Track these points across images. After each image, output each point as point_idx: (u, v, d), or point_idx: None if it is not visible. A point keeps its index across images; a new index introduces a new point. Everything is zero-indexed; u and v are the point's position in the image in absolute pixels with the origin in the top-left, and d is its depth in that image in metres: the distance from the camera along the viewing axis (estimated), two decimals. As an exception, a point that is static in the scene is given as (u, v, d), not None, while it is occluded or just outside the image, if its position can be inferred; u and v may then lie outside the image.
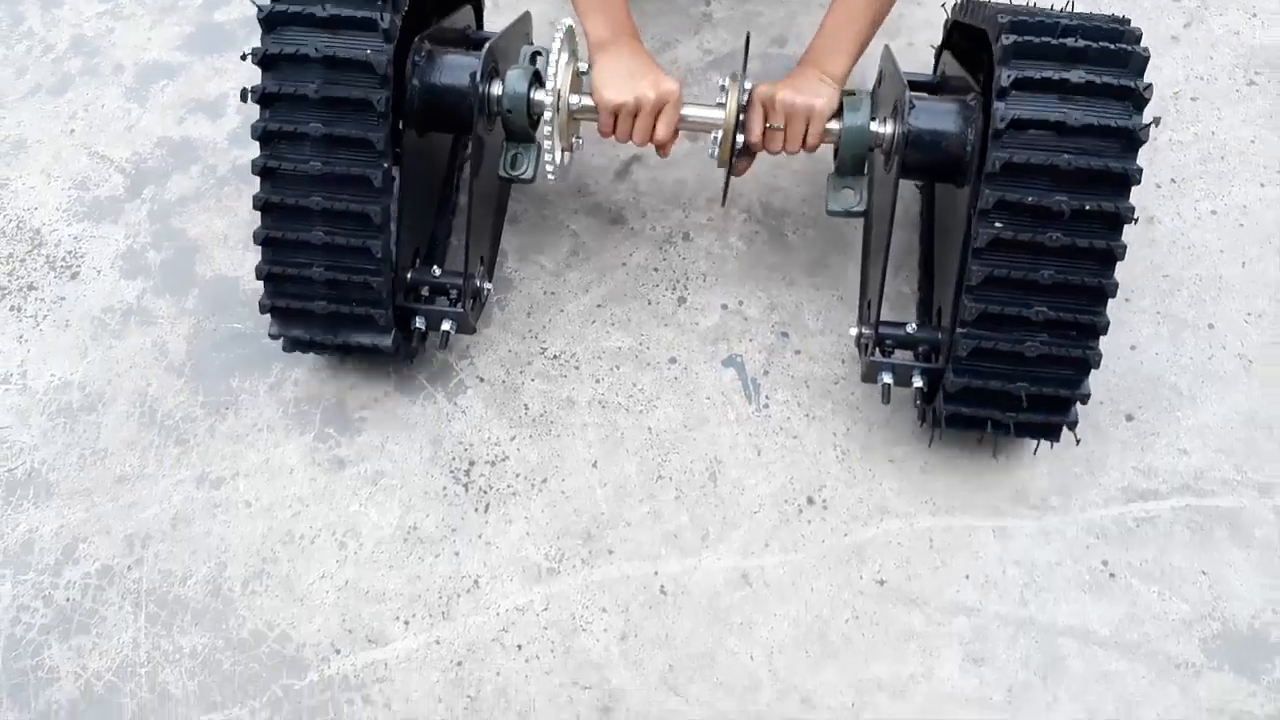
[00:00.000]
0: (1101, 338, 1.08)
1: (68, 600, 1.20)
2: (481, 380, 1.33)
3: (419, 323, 1.24)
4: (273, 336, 1.22)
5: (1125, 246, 1.04)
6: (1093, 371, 1.10)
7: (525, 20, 1.38)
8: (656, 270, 1.40)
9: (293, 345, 1.23)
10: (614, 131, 1.20)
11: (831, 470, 1.27)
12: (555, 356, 1.35)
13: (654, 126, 1.18)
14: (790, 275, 1.40)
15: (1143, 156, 1.05)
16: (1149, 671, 1.15)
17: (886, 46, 1.28)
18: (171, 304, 1.39)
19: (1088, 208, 1.03)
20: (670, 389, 1.32)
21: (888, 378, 1.19)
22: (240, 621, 1.19)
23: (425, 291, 1.26)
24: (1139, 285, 1.37)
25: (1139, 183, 1.03)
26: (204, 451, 1.29)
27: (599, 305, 1.38)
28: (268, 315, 1.20)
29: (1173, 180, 1.46)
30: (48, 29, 1.64)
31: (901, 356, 1.22)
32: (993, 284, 1.06)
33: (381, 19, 1.07)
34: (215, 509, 1.25)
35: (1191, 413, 1.29)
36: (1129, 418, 1.29)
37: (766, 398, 1.32)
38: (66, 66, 1.60)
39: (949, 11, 1.37)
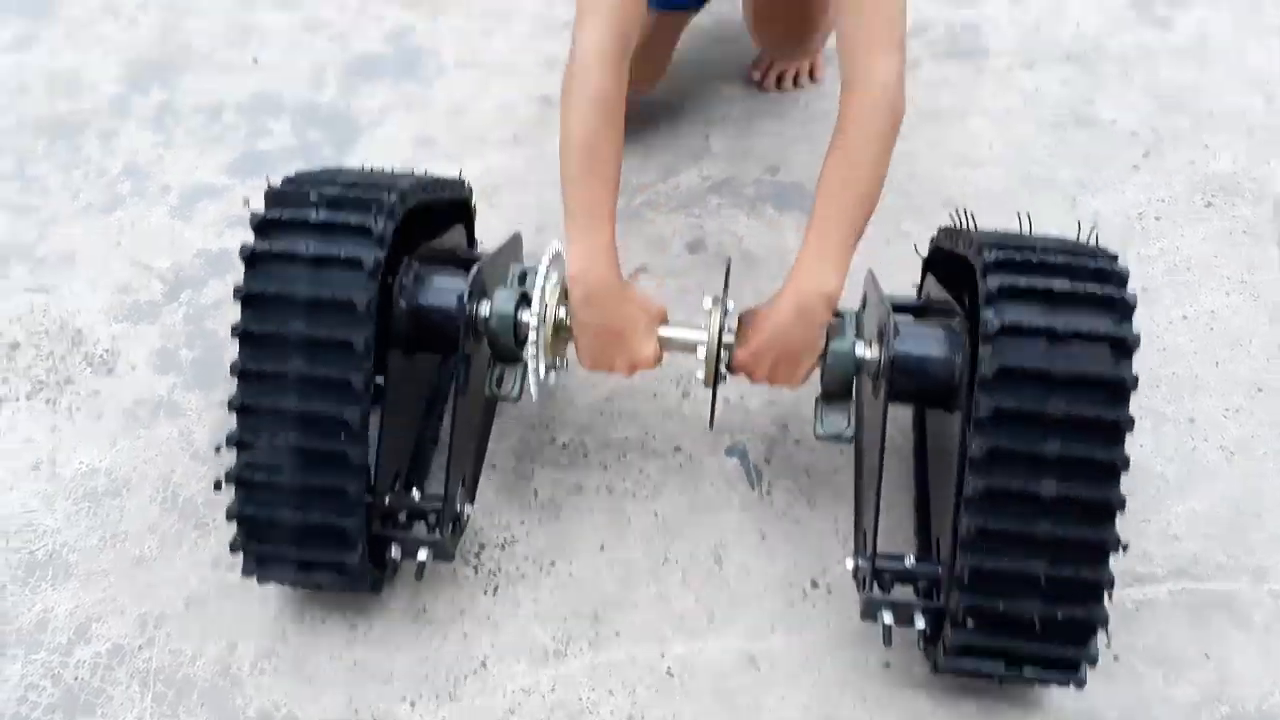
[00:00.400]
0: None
1: (76, 679, 1.21)
2: (493, 467, 1.38)
3: (394, 552, 1.17)
4: (246, 574, 1.17)
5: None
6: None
7: (516, 241, 1.42)
8: (662, 367, 1.47)
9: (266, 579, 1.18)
10: None
11: (835, 555, 1.30)
12: (564, 445, 1.40)
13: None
14: (789, 374, 1.47)
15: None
16: (1161, 756, 1.15)
17: (870, 271, 1.30)
18: (200, 397, 1.46)
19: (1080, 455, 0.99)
20: (676, 476, 1.37)
21: (888, 617, 1.11)
22: (247, 700, 1.19)
23: (402, 517, 1.19)
24: (1120, 383, 1.44)
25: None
26: (222, 535, 1.32)
27: (607, 399, 1.45)
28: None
29: (1143, 289, 1.55)
30: (104, 157, 1.78)
31: (901, 592, 1.14)
32: (988, 536, 1.01)
33: (366, 259, 1.06)
34: (229, 590, 1.28)
35: (1179, 501, 1.34)
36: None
37: (769, 485, 1.36)
38: (118, 188, 1.73)
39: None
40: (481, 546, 1.31)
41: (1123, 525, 1.31)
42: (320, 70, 1.93)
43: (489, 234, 1.65)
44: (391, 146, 1.80)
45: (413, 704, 1.19)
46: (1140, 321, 1.50)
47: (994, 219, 1.64)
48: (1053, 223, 1.65)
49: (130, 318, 1.56)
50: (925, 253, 1.41)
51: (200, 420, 1.44)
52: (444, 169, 1.74)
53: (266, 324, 1.07)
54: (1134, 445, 1.36)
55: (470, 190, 1.44)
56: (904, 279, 1.57)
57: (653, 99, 1.78)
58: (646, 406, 1.44)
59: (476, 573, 1.29)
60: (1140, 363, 1.45)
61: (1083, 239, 1.19)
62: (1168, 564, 1.28)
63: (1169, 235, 1.64)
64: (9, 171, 1.76)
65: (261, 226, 1.09)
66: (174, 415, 1.44)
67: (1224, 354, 1.48)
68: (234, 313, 1.57)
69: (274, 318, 1.07)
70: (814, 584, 1.28)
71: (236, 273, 1.60)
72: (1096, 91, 1.85)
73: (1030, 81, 1.88)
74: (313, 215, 1.08)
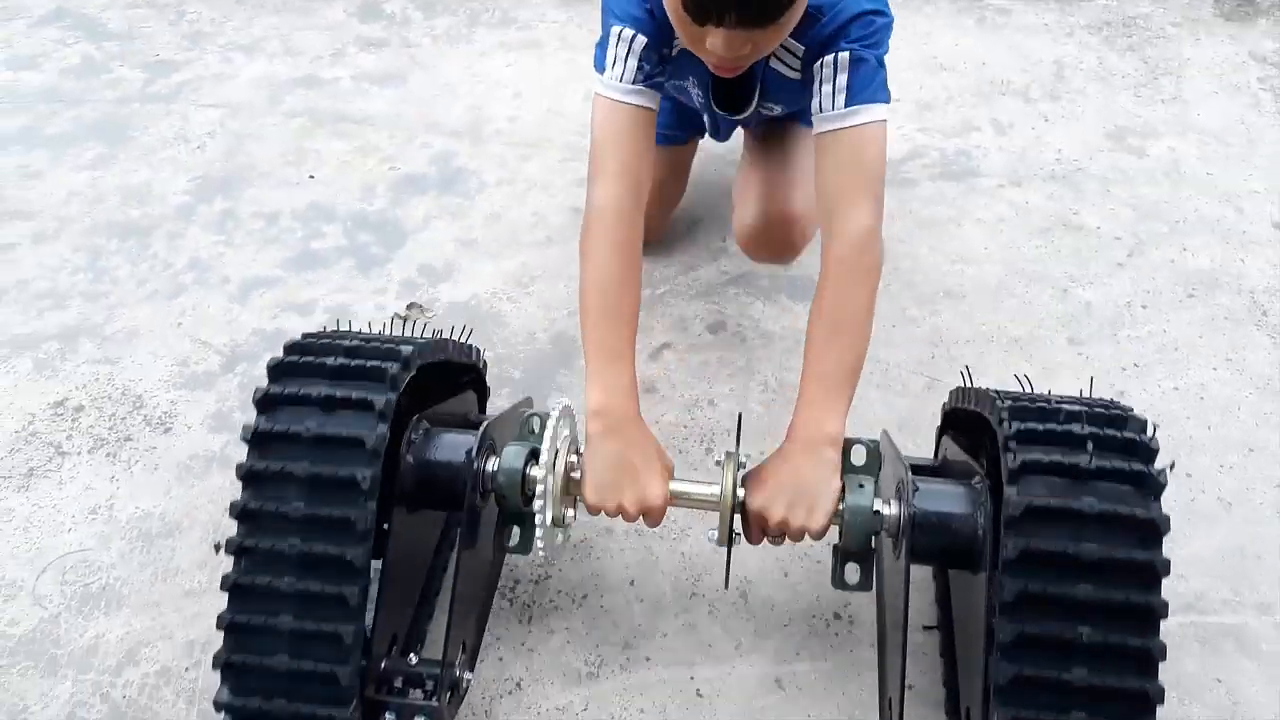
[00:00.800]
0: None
1: (124, 698, 1.25)
2: (528, 513, 1.46)
3: (388, 718, 1.08)
4: None
5: (1164, 646, 0.94)
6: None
7: (526, 405, 1.45)
8: (685, 427, 1.58)
9: None
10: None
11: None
12: (596, 494, 1.48)
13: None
14: (806, 435, 1.56)
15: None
16: (1181, 780, 1.17)
17: (884, 432, 1.34)
18: (252, 452, 1.55)
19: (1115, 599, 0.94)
20: (701, 522, 1.44)
21: None
22: None
23: (398, 683, 1.11)
24: (1118, 441, 1.53)
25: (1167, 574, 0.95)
26: (268, 571, 1.38)
27: (636, 453, 1.53)
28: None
29: (1136, 365, 1.67)
30: (170, 253, 1.94)
31: None
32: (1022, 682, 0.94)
33: (377, 400, 1.03)
34: (274, 620, 1.32)
35: (1183, 544, 1.40)
36: (1126, 549, 1.39)
37: (790, 529, 1.43)
38: (181, 279, 1.89)
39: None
40: (516, 582, 1.37)
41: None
42: (371, 186, 2.12)
43: (525, 319, 1.79)
44: (435, 247, 1.96)
45: (448, 727, 1.22)
46: (1134, 392, 1.63)
47: (992, 306, 1.79)
48: (1046, 310, 1.79)
49: (188, 385, 1.67)
50: (939, 401, 1.40)
51: (252, 471, 1.52)
52: (483, 266, 1.92)
53: (266, 501, 1.03)
54: (1135, 495, 1.46)
55: (481, 355, 1.42)
56: (909, 354, 1.69)
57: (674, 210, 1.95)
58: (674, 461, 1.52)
59: (511, 605, 1.34)
60: (1136, 426, 1.55)
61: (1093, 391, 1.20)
62: (1176, 600, 1.31)
63: (1156, 320, 1.76)
64: (83, 264, 1.92)
65: (265, 402, 1.06)
66: (226, 467, 1.53)
67: (1215, 419, 1.58)
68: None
69: (274, 495, 1.03)
70: (837, 616, 1.33)
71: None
72: (1080, 204, 2.03)
73: (1019, 196, 2.06)
74: (315, 391, 1.05)
